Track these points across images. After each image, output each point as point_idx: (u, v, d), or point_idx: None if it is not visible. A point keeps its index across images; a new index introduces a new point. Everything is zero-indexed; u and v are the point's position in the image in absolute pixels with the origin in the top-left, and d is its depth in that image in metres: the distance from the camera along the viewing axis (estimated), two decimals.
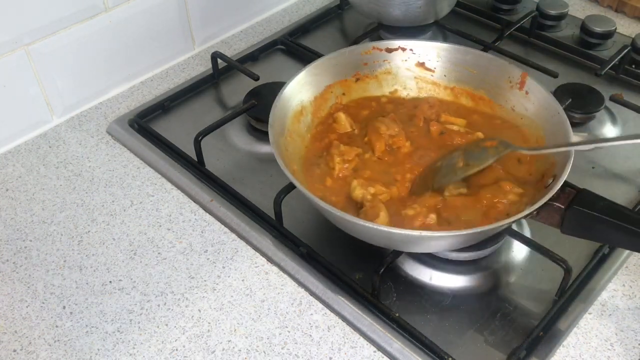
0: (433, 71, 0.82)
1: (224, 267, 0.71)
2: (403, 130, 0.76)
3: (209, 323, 0.66)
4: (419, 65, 0.82)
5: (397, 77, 0.83)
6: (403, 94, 0.83)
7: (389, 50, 0.81)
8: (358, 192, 0.68)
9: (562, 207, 0.61)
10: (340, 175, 0.72)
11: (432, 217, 0.66)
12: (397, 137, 0.75)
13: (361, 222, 0.60)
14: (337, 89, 0.80)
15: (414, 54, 0.82)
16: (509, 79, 0.76)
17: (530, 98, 0.75)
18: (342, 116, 0.78)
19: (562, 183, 0.61)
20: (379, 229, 0.60)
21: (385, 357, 0.63)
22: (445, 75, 0.82)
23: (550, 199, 0.61)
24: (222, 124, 0.84)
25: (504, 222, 0.60)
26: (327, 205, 0.62)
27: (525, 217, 0.61)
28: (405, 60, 0.82)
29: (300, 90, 0.76)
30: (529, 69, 0.87)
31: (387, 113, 0.80)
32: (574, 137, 0.67)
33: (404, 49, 0.81)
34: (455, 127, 0.78)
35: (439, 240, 0.63)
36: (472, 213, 0.66)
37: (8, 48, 0.81)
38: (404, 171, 0.73)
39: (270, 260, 0.72)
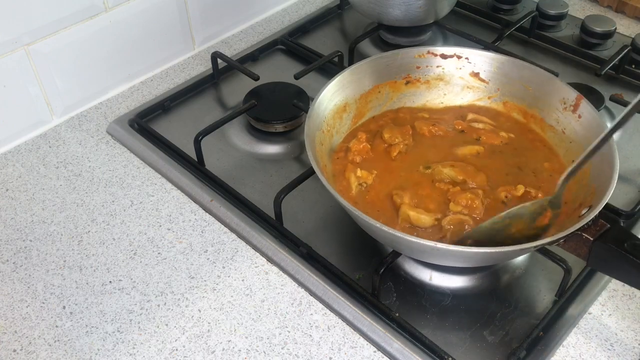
0: (487, 82, 0.80)
1: (224, 267, 0.71)
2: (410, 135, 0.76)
3: (209, 323, 0.66)
4: (473, 75, 0.81)
5: (449, 84, 0.82)
6: (454, 101, 0.82)
7: (444, 57, 0.80)
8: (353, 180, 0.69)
9: (590, 239, 0.59)
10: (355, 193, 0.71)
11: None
12: (396, 144, 0.75)
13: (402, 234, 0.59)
14: (385, 89, 0.80)
15: (469, 62, 0.80)
16: (564, 100, 0.74)
17: (582, 122, 0.72)
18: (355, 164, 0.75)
19: (595, 214, 0.59)
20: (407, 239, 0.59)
21: (385, 357, 0.63)
22: (498, 89, 0.80)
23: (579, 229, 0.59)
24: (222, 124, 0.84)
25: (527, 246, 0.58)
26: (356, 209, 0.61)
27: (550, 243, 0.59)
28: (460, 69, 0.81)
29: (347, 86, 0.76)
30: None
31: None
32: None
33: (459, 57, 0.80)
34: (480, 125, 0.77)
35: (456, 256, 0.62)
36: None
37: (8, 48, 0.81)
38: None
39: (270, 260, 0.72)
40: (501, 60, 0.79)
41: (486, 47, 0.96)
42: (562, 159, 0.74)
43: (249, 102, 0.87)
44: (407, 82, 0.81)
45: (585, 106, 0.72)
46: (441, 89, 0.82)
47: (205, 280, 0.70)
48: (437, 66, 0.81)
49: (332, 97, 0.74)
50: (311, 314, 0.67)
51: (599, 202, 0.60)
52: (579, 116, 0.73)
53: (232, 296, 0.68)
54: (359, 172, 0.71)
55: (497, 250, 0.59)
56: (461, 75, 0.81)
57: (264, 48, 1.02)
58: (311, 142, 0.67)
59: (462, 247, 0.58)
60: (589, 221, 0.59)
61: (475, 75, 0.81)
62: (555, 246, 0.65)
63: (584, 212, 0.62)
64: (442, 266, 0.69)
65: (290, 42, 1.03)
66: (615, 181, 0.62)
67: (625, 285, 0.69)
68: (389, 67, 0.79)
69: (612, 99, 0.89)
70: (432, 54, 0.80)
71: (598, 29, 1.00)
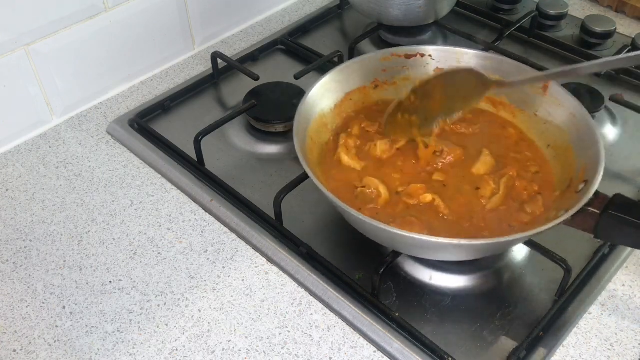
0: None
1: (224, 267, 0.71)
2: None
3: (209, 323, 0.66)
4: (437, 71, 0.81)
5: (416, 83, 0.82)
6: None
7: (408, 57, 0.80)
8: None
9: (597, 212, 0.60)
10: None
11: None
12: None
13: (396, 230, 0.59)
14: (356, 96, 0.79)
15: (432, 59, 0.81)
16: (532, 85, 0.76)
17: (553, 102, 0.74)
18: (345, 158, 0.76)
19: (596, 187, 0.60)
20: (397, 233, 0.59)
21: (385, 357, 0.63)
22: None
23: (584, 204, 0.60)
24: (222, 124, 0.84)
25: (537, 230, 0.58)
26: (350, 208, 0.61)
27: (559, 224, 0.60)
28: (424, 67, 0.81)
29: (321, 98, 0.75)
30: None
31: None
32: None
33: (422, 55, 0.80)
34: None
35: (458, 249, 0.62)
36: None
37: (8, 48, 0.81)
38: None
39: (270, 260, 0.72)
40: (463, 53, 0.80)
41: (486, 47, 0.96)
42: (535, 142, 0.75)
43: (249, 102, 0.87)
44: (376, 87, 0.81)
45: (555, 86, 0.74)
46: (409, 89, 0.81)
47: (205, 280, 0.70)
48: (403, 67, 0.81)
49: (310, 110, 0.74)
50: (311, 314, 0.67)
51: (594, 174, 0.62)
52: (550, 97, 0.74)
53: (232, 296, 0.68)
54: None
55: (500, 240, 0.59)
56: (427, 73, 0.81)
57: (264, 48, 1.02)
58: (304, 156, 0.67)
59: (459, 239, 0.58)
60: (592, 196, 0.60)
61: (440, 71, 0.81)
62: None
63: (581, 187, 0.64)
64: (442, 266, 0.69)
65: (290, 42, 1.03)
66: (603, 152, 0.64)
67: (625, 285, 0.69)
68: (357, 73, 0.79)
69: (612, 99, 0.89)
70: (396, 55, 0.80)
71: (598, 29, 1.00)
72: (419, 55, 0.81)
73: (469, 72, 0.74)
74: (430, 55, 0.81)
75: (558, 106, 0.73)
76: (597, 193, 0.61)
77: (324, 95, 0.76)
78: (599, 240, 0.63)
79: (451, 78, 0.73)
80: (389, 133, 0.75)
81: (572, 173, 0.68)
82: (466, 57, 0.80)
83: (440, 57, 0.80)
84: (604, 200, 0.61)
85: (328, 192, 0.62)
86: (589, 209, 0.60)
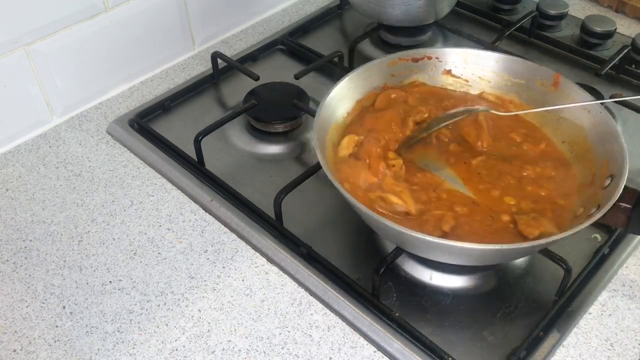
0: (459, 77, 0.81)
1: (224, 267, 0.71)
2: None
3: (209, 323, 0.66)
4: (445, 73, 0.81)
5: (425, 86, 0.81)
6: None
7: (415, 60, 0.80)
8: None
9: (629, 206, 0.60)
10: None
11: None
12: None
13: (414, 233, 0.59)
14: (366, 103, 0.79)
15: (440, 61, 0.80)
16: (542, 82, 0.76)
17: (566, 100, 0.73)
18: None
19: (624, 181, 0.61)
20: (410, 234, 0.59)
21: (385, 357, 0.63)
22: (474, 82, 0.81)
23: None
24: (222, 124, 0.84)
25: (575, 230, 0.57)
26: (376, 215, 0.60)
27: (593, 222, 0.59)
28: (432, 69, 0.81)
29: (334, 108, 0.74)
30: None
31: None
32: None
33: (430, 58, 0.80)
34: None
35: (463, 254, 0.61)
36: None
37: (8, 48, 0.81)
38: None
39: (270, 260, 0.72)
40: (469, 53, 0.80)
41: (486, 47, 0.96)
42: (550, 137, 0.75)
43: (249, 102, 0.87)
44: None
45: (565, 82, 0.74)
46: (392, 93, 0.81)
47: (205, 280, 0.70)
48: (411, 70, 0.81)
49: (326, 122, 0.72)
50: (311, 314, 0.67)
51: (620, 168, 0.62)
52: (561, 92, 0.74)
53: (232, 296, 0.68)
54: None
55: (519, 245, 0.59)
56: (434, 75, 0.81)
57: (264, 48, 1.02)
58: (330, 170, 0.64)
59: (471, 243, 0.57)
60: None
61: (448, 72, 0.81)
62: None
63: (607, 182, 0.63)
64: (443, 266, 0.69)
65: (290, 42, 1.03)
66: (625, 145, 0.64)
67: (625, 284, 0.69)
68: (367, 80, 0.78)
69: (612, 98, 0.89)
70: (404, 59, 0.80)
71: (598, 29, 1.00)
72: (426, 58, 0.80)
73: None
74: (437, 58, 0.80)
75: (570, 102, 0.73)
76: (625, 187, 0.61)
77: (337, 105, 0.75)
78: (631, 234, 0.64)
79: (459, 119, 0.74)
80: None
81: (594, 169, 0.68)
82: (472, 57, 0.80)
83: (447, 59, 0.80)
84: (635, 194, 0.61)
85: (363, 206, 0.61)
86: (621, 203, 0.60)
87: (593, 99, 0.71)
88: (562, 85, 0.74)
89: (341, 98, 0.75)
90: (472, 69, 0.80)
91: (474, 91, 0.81)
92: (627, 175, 0.61)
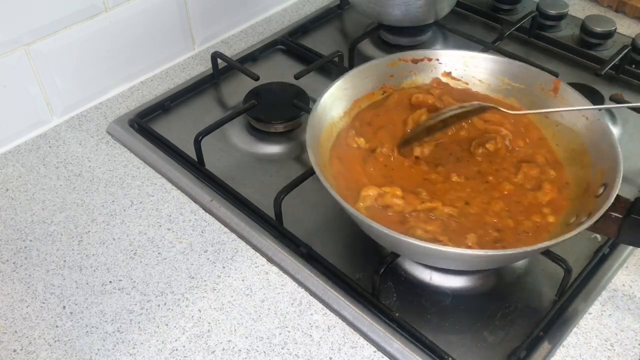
0: (459, 80, 0.80)
1: (224, 267, 0.71)
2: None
3: (209, 323, 0.66)
4: (445, 75, 0.80)
5: (423, 88, 0.81)
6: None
7: (415, 61, 0.80)
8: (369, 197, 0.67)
9: (620, 216, 0.60)
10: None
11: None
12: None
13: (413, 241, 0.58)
14: (364, 104, 0.78)
15: (440, 63, 0.80)
16: (542, 86, 0.75)
17: (565, 105, 0.73)
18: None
19: (617, 191, 0.60)
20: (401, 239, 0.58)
21: (385, 357, 0.63)
22: (474, 84, 0.80)
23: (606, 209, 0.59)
24: (222, 124, 0.84)
25: (560, 239, 0.57)
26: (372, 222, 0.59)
27: (585, 229, 0.59)
28: (432, 71, 0.81)
29: (330, 107, 0.74)
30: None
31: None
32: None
33: (429, 59, 0.80)
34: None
35: (475, 259, 0.61)
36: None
37: (8, 48, 0.81)
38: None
39: (270, 260, 0.72)
40: (469, 56, 0.79)
41: (486, 47, 0.96)
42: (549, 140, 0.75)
43: (249, 102, 0.87)
44: (384, 93, 0.80)
45: (565, 88, 0.73)
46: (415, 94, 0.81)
47: (205, 280, 0.70)
48: (410, 71, 0.80)
49: (320, 120, 0.72)
50: (311, 314, 0.67)
51: (614, 177, 0.61)
52: (561, 98, 0.73)
53: (232, 296, 0.68)
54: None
55: (513, 251, 0.59)
56: (434, 77, 0.81)
57: (264, 48, 1.02)
58: (322, 172, 0.64)
59: (465, 249, 0.58)
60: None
61: (448, 75, 0.81)
62: (587, 230, 0.64)
63: (601, 191, 0.63)
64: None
65: (290, 42, 1.03)
66: (621, 154, 0.64)
67: (625, 285, 0.69)
68: (366, 80, 0.78)
69: (612, 99, 0.89)
70: (403, 60, 0.80)
71: (598, 29, 1.00)
72: (426, 60, 0.80)
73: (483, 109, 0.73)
74: (437, 59, 0.80)
75: (568, 107, 0.72)
76: (617, 197, 0.60)
77: (333, 104, 0.74)
78: (623, 244, 0.63)
79: (469, 114, 0.73)
80: (404, 153, 0.73)
81: (589, 177, 0.67)
82: (472, 60, 0.79)
83: (447, 61, 0.80)
84: (627, 204, 0.60)
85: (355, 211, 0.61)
86: (612, 213, 0.60)
87: (591, 105, 0.70)
88: (562, 91, 0.74)
89: (338, 97, 0.75)
90: (472, 71, 0.80)
91: (473, 92, 0.80)
92: (620, 185, 0.61)
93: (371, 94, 0.79)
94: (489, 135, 0.74)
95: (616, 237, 0.61)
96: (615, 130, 0.87)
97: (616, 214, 0.60)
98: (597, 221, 0.59)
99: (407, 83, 0.81)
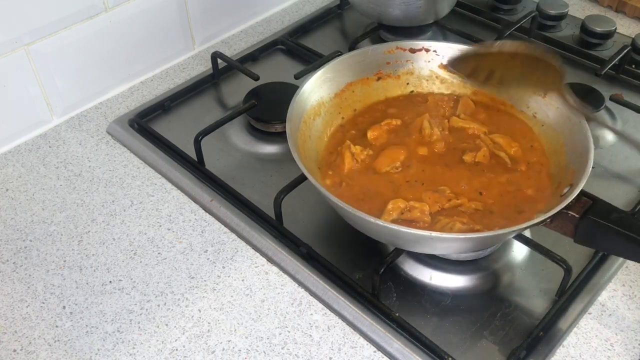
0: (455, 73, 0.81)
1: (224, 267, 0.71)
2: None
3: (209, 323, 0.66)
4: (442, 67, 0.81)
5: (420, 78, 0.82)
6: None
7: (413, 51, 0.81)
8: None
9: (577, 216, 0.60)
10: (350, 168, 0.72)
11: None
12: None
13: (377, 220, 0.60)
14: (357, 88, 0.80)
15: (437, 55, 0.81)
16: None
17: (552, 106, 0.74)
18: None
19: (578, 192, 0.60)
20: (386, 226, 0.60)
21: (385, 357, 0.63)
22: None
23: (564, 208, 0.60)
24: (222, 124, 0.84)
25: (515, 228, 0.59)
26: (337, 199, 0.62)
27: (537, 224, 0.60)
28: (429, 62, 0.81)
29: (320, 85, 0.76)
30: None
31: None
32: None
33: (427, 50, 0.81)
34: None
35: (446, 243, 0.62)
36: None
37: (8, 48, 0.81)
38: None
39: (270, 260, 0.72)
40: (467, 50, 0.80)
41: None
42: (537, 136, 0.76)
43: (249, 102, 0.87)
44: (379, 79, 0.81)
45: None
46: (412, 83, 0.82)
47: (205, 280, 0.70)
48: (407, 60, 0.81)
49: (308, 97, 0.74)
50: (311, 314, 0.67)
51: (579, 179, 0.62)
52: (549, 99, 0.74)
53: (232, 296, 0.68)
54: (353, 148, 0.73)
55: (486, 234, 0.61)
56: (431, 68, 0.82)
57: (264, 48, 1.02)
58: (295, 144, 0.67)
59: (450, 233, 0.60)
60: (572, 199, 0.60)
61: (444, 67, 0.81)
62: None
63: (565, 190, 0.64)
64: (442, 266, 0.69)
65: (290, 42, 1.03)
66: (592, 157, 0.64)
67: (626, 285, 0.69)
68: (361, 64, 0.80)
69: (612, 99, 0.89)
70: (401, 48, 0.81)
71: (598, 29, 1.00)
72: (424, 50, 0.81)
73: (554, 70, 0.71)
74: (435, 51, 0.81)
75: (556, 108, 0.73)
76: (579, 197, 0.61)
77: (323, 83, 0.76)
78: (579, 244, 0.63)
79: (536, 62, 0.72)
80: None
81: (561, 176, 0.68)
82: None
83: (445, 53, 0.81)
84: (585, 205, 0.61)
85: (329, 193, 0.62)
86: (570, 212, 0.61)
87: (577, 112, 0.71)
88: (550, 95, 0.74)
89: (328, 79, 0.76)
90: None
91: (468, 89, 0.81)
92: (582, 186, 0.61)
93: (366, 78, 0.80)
94: (476, 144, 0.75)
95: (573, 237, 0.62)
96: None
97: (573, 214, 0.61)
98: (555, 219, 0.61)
99: (403, 71, 0.82)
